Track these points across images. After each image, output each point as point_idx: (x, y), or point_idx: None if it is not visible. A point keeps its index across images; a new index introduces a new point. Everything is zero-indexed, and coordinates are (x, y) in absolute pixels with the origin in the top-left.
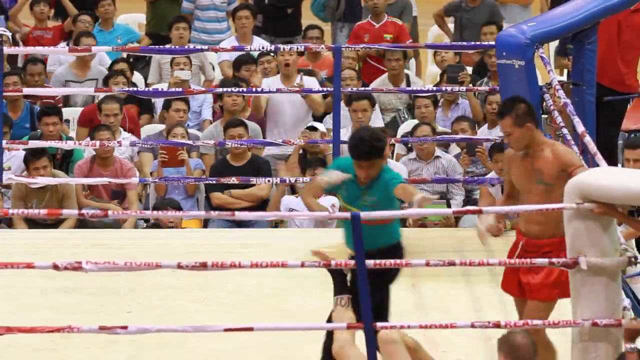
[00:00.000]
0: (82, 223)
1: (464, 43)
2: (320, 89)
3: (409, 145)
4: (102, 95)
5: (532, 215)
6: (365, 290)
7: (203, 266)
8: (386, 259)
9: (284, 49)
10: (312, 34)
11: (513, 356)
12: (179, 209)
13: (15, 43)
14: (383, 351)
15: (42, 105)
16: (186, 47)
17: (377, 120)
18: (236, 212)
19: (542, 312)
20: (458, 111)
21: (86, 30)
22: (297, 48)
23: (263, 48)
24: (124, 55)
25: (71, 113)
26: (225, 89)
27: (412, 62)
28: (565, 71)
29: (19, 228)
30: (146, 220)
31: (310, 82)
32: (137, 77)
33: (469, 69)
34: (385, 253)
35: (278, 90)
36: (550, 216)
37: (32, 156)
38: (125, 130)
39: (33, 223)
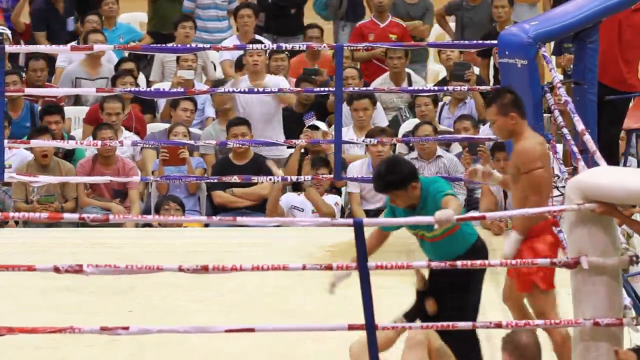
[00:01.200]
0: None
1: (466, 42)
2: (289, 88)
3: (411, 145)
4: (91, 92)
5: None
6: (367, 290)
7: (204, 269)
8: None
9: (285, 47)
10: (312, 33)
11: (518, 355)
12: (181, 204)
13: (16, 42)
14: (405, 348)
15: (43, 103)
16: (188, 45)
17: (379, 119)
18: (237, 218)
19: (540, 300)
20: (465, 109)
21: (94, 28)
22: (299, 47)
23: (265, 47)
24: (126, 54)
25: (76, 112)
26: (226, 90)
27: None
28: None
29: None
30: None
31: (277, 81)
32: (139, 76)
33: (476, 70)
34: (464, 259)
35: (280, 90)
36: (524, 205)
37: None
38: (132, 130)
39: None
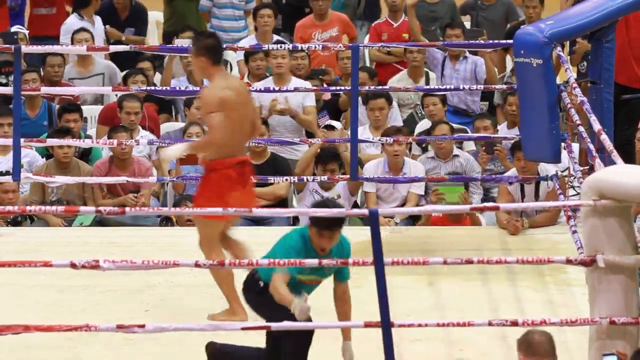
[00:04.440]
0: (99, 221)
1: (482, 42)
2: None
3: (423, 145)
4: (107, 90)
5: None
6: (383, 286)
7: (221, 264)
8: None
9: (301, 47)
10: None
11: (531, 352)
12: None
13: None
14: None
15: (60, 102)
16: None
17: (396, 118)
18: (254, 209)
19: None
20: (467, 64)
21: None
22: (315, 47)
23: (280, 47)
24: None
25: (90, 111)
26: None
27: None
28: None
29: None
30: (162, 219)
31: (302, 85)
32: (157, 76)
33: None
34: None
35: (296, 89)
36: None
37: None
38: (145, 129)
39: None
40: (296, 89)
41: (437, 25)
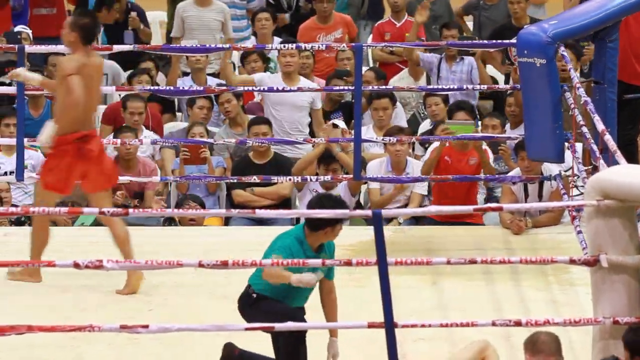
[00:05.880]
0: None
1: (485, 41)
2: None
3: (426, 146)
4: (111, 90)
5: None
6: (386, 287)
7: (224, 264)
8: None
9: (304, 46)
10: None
11: (536, 350)
12: (201, 203)
13: None
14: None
15: None
16: (207, 45)
17: (399, 119)
18: (257, 210)
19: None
20: (463, 66)
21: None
22: (319, 47)
23: (284, 46)
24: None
25: None
26: (246, 88)
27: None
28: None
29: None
30: (165, 219)
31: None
32: (159, 77)
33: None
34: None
35: (299, 89)
36: (62, 103)
37: None
38: (148, 128)
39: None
40: (299, 89)
41: (438, 25)
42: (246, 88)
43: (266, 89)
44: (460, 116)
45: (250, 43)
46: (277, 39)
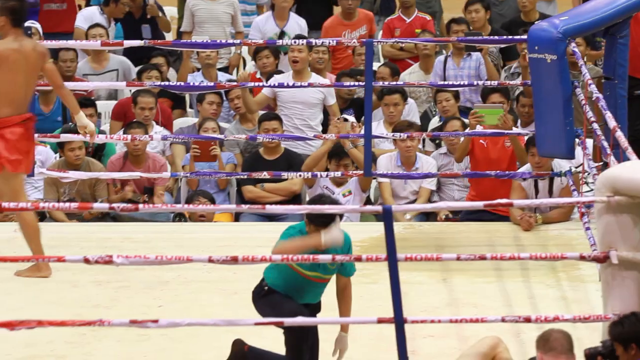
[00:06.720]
0: (112, 216)
1: (495, 37)
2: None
3: (437, 142)
4: (121, 85)
5: None
6: (396, 282)
7: (234, 260)
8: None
9: (315, 42)
10: None
11: (548, 347)
12: (211, 199)
13: None
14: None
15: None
16: (218, 41)
17: (412, 115)
18: (267, 206)
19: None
20: (471, 61)
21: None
22: (329, 43)
23: (295, 42)
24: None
25: (104, 107)
26: (254, 84)
27: None
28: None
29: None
30: (175, 215)
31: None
32: (170, 72)
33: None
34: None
35: (310, 85)
36: None
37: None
38: (158, 124)
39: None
40: (310, 85)
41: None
42: (256, 84)
43: (277, 84)
44: (495, 98)
45: (265, 19)
46: (293, 15)
